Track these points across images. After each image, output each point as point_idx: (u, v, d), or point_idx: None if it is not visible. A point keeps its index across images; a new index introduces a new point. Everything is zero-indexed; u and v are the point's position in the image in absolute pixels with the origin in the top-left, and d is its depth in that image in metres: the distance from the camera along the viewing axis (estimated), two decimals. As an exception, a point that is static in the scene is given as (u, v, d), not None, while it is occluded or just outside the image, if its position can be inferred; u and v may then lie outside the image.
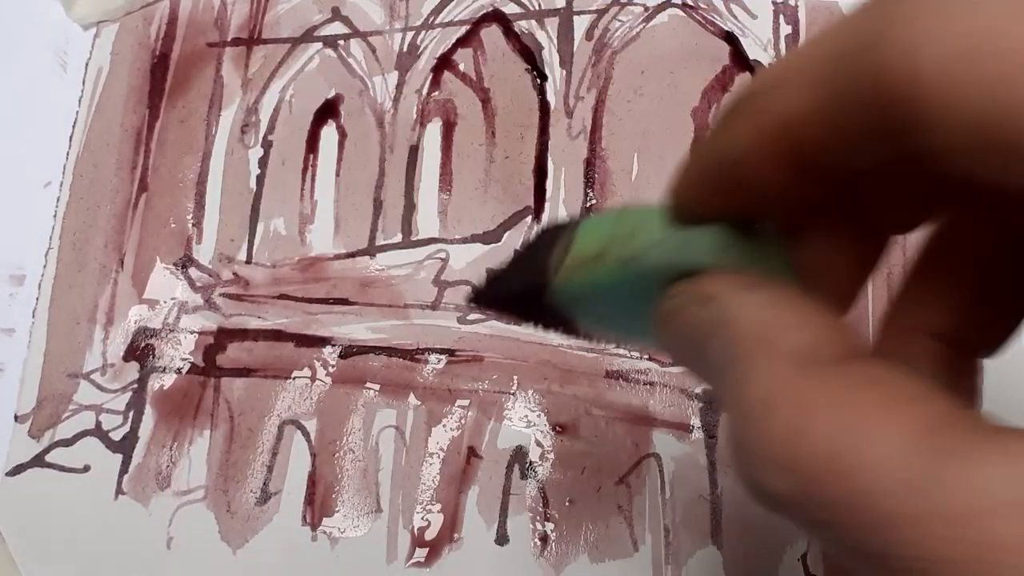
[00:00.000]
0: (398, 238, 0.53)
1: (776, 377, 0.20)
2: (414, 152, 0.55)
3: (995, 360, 0.50)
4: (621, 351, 0.50)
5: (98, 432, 0.49)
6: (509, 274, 0.30)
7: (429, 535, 0.47)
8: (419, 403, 0.50)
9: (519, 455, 0.49)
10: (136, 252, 0.53)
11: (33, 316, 0.51)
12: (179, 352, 0.51)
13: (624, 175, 0.54)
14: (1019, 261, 0.25)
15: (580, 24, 0.57)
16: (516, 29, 0.57)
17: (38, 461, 0.49)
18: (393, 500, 0.48)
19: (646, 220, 0.26)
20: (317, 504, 0.48)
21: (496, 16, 0.57)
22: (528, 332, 0.51)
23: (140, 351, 0.51)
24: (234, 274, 0.52)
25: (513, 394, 0.50)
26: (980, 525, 0.16)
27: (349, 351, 0.51)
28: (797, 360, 0.20)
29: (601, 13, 0.57)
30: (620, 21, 0.57)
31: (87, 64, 0.57)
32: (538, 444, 0.49)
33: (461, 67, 0.56)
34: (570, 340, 0.51)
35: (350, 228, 0.53)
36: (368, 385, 0.50)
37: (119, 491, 0.48)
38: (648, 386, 0.50)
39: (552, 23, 0.57)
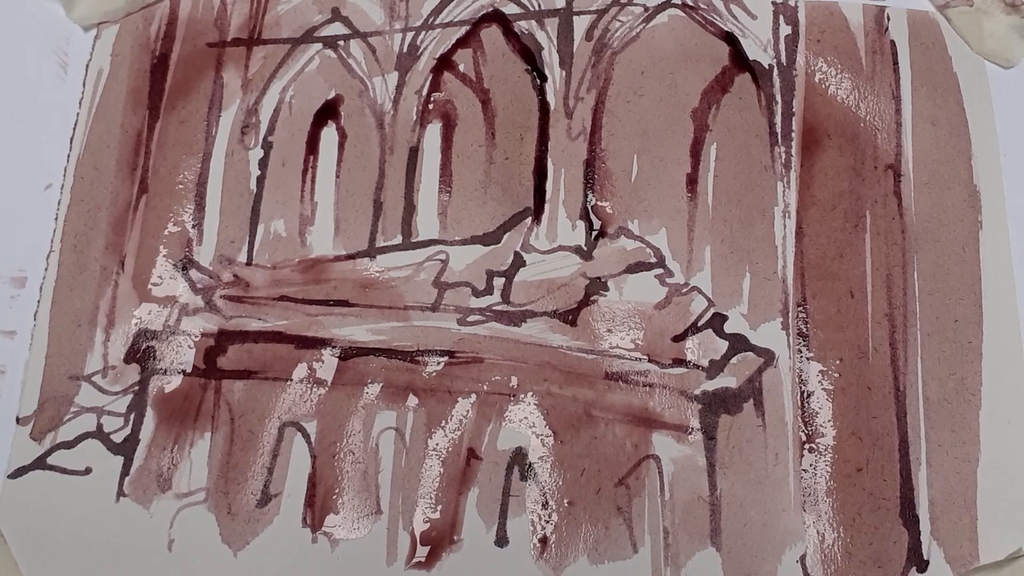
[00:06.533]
0: (398, 240, 0.53)
1: None
2: (414, 153, 0.55)
3: (994, 360, 0.50)
4: (621, 352, 0.50)
5: (99, 434, 0.50)
6: None
7: (429, 537, 0.48)
8: (419, 405, 0.50)
9: (519, 456, 0.49)
10: (136, 254, 0.53)
11: (34, 318, 0.52)
12: (180, 354, 0.51)
13: (624, 176, 0.54)
14: None
15: (580, 24, 0.57)
16: (516, 29, 0.57)
17: (40, 463, 0.49)
18: (393, 502, 0.48)
19: None
20: (317, 506, 0.48)
21: (496, 16, 0.57)
22: (528, 333, 0.51)
23: (141, 353, 0.51)
24: (234, 276, 0.52)
25: (513, 395, 0.50)
26: None
27: (349, 353, 0.51)
28: None
29: (601, 13, 0.57)
30: (620, 21, 0.57)
31: (87, 65, 0.57)
32: (538, 445, 0.49)
33: (461, 68, 0.56)
34: (570, 341, 0.51)
35: (350, 230, 0.53)
36: (368, 387, 0.50)
37: (120, 493, 0.49)
38: (647, 388, 0.50)
39: (552, 23, 0.57)
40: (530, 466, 0.49)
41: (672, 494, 0.48)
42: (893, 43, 0.56)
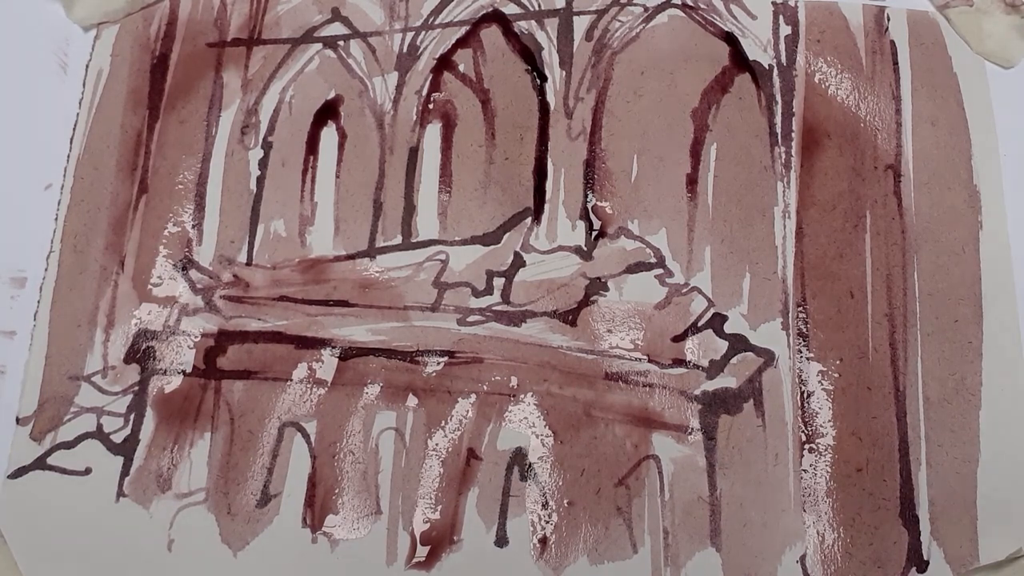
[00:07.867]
0: (398, 240, 0.53)
1: None
2: (414, 153, 0.55)
3: (994, 360, 0.50)
4: (621, 353, 0.50)
5: (99, 434, 0.50)
6: None
7: (429, 537, 0.48)
8: (419, 405, 0.50)
9: (518, 457, 0.49)
10: (136, 254, 0.53)
11: (34, 319, 0.52)
12: (180, 354, 0.51)
13: (624, 176, 0.54)
14: None
15: (580, 25, 0.57)
16: (516, 30, 0.57)
17: (39, 463, 0.49)
18: (393, 502, 0.48)
19: None
20: (317, 506, 0.48)
21: (496, 16, 0.57)
22: (528, 333, 0.51)
23: (141, 353, 0.51)
24: (234, 276, 0.52)
25: (513, 395, 0.50)
26: None
27: (349, 353, 0.51)
28: None
29: (601, 14, 0.57)
30: (620, 22, 0.57)
31: (87, 66, 0.57)
32: (538, 445, 0.49)
33: (461, 68, 0.56)
34: (570, 341, 0.51)
35: (350, 230, 0.53)
36: (368, 387, 0.50)
37: (120, 493, 0.49)
38: (647, 388, 0.50)
39: (552, 23, 0.57)
40: (530, 466, 0.49)
41: (672, 494, 0.48)
42: (893, 43, 0.56)
